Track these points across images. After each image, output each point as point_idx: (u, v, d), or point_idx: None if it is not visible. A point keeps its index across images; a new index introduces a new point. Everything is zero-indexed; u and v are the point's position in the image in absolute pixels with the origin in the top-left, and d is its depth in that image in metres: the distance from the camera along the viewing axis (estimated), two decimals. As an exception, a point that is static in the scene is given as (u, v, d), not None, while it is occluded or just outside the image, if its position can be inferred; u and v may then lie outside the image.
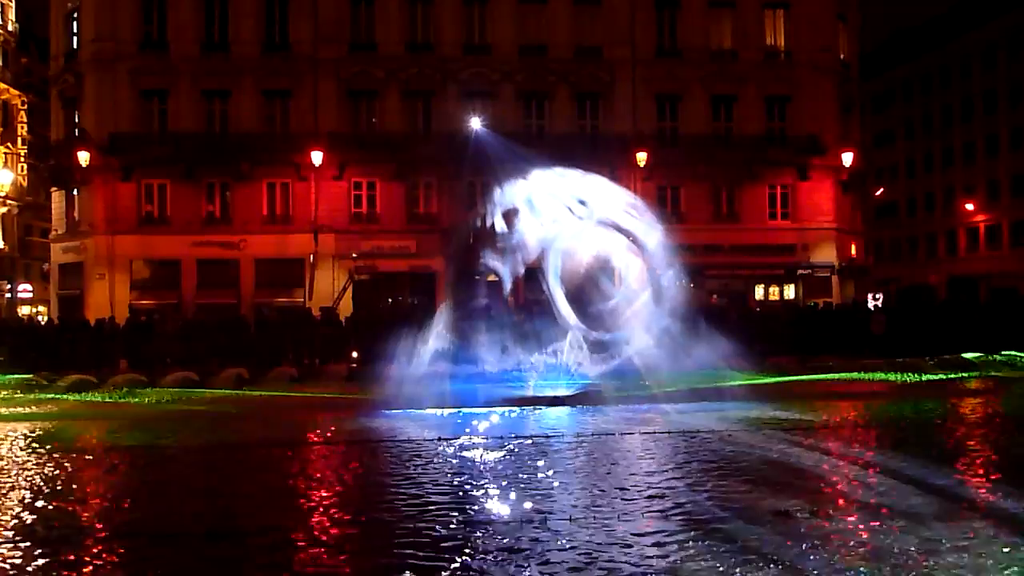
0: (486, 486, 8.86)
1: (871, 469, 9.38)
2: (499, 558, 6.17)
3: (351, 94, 35.36)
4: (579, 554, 6.23)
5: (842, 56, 38.99)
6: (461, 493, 8.45)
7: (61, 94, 36.60)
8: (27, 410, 16.74)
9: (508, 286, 17.23)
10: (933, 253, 61.12)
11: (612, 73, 36.10)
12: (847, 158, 35.81)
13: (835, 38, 38.40)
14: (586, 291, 16.90)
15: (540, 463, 10.05)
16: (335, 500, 8.54)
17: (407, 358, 15.95)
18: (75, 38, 36.14)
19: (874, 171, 58.32)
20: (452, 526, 7.08)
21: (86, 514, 7.99)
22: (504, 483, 8.93)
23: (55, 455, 11.13)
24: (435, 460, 10.37)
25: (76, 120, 35.76)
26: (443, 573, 5.85)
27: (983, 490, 8.32)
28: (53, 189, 38.38)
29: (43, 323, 34.88)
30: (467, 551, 6.34)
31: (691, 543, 6.41)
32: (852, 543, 6.40)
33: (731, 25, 37.00)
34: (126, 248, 34.19)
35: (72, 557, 6.42)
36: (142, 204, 34.64)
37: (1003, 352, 22.50)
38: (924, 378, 19.93)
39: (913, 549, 6.14)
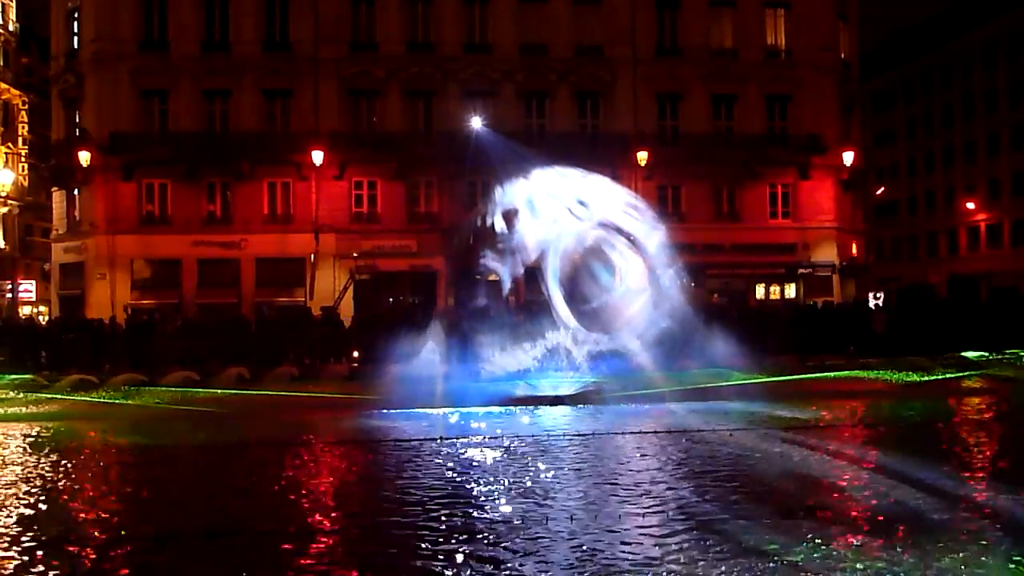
0: (486, 485, 8.86)
1: (869, 469, 9.38)
2: (499, 557, 6.17)
3: (352, 93, 35.34)
4: (579, 552, 6.23)
5: (843, 55, 38.95)
6: (461, 492, 8.45)
7: (62, 94, 36.59)
8: (28, 410, 16.76)
9: (507, 286, 17.25)
10: (934, 252, 61.07)
11: (613, 72, 36.08)
12: (848, 157, 35.78)
13: (836, 37, 38.36)
14: (586, 292, 16.91)
15: (540, 462, 10.06)
16: (335, 499, 8.55)
17: (407, 358, 15.97)
18: (76, 38, 36.11)
19: (875, 170, 58.28)
20: (452, 525, 7.08)
21: (86, 514, 8.00)
22: (504, 482, 8.94)
23: (56, 455, 11.14)
24: (435, 459, 10.37)
25: (77, 120, 35.74)
26: (443, 572, 5.85)
27: (983, 490, 8.32)
28: (54, 189, 38.40)
29: (44, 323, 34.87)
30: (467, 550, 6.34)
31: (690, 542, 6.41)
32: (849, 542, 6.40)
33: (732, 24, 36.96)
34: (127, 248, 34.18)
35: (72, 557, 6.43)
36: (143, 204, 34.63)
37: (1005, 351, 22.48)
38: (925, 377, 19.92)
39: (910, 549, 6.14)
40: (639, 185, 32.07)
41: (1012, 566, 5.76)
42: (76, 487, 9.33)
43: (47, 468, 10.20)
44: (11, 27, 54.26)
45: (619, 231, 16.52)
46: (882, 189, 57.70)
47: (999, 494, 7.91)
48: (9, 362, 22.48)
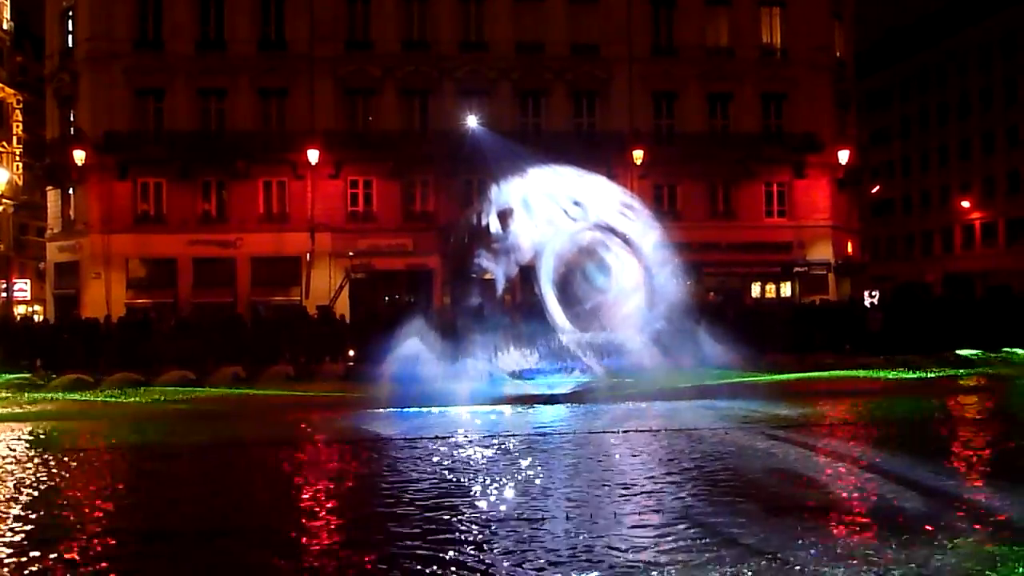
0: (482, 484, 8.86)
1: (864, 467, 9.40)
2: (497, 555, 6.17)
3: (347, 92, 35.32)
4: (576, 551, 6.23)
5: (838, 54, 39.01)
6: (457, 491, 8.45)
7: (57, 92, 36.50)
8: (23, 410, 16.72)
9: (501, 286, 17.26)
10: (929, 251, 61.18)
11: (609, 71, 36.08)
12: (843, 156, 35.82)
13: (831, 36, 38.42)
14: (580, 293, 16.93)
15: (536, 460, 10.06)
16: (330, 498, 8.54)
17: (403, 357, 15.95)
18: (70, 36, 36.02)
19: (870, 169, 58.33)
20: (449, 524, 7.08)
21: (82, 513, 7.98)
22: (500, 480, 8.94)
23: (51, 455, 11.12)
24: (431, 458, 10.37)
25: (72, 119, 35.67)
26: (440, 571, 5.85)
27: (979, 489, 8.34)
28: (49, 188, 38.29)
29: (39, 322, 34.79)
30: (465, 549, 6.34)
31: (686, 540, 6.41)
32: (846, 542, 6.41)
33: (727, 23, 36.98)
34: (122, 247, 34.12)
35: (68, 556, 6.41)
36: (138, 203, 34.56)
37: (999, 349, 22.54)
38: (919, 375, 19.97)
39: (907, 549, 6.15)
40: (635, 184, 32.09)
41: (1009, 566, 5.77)
42: (70, 486, 9.31)
43: (42, 467, 10.18)
44: (5, 25, 54.09)
45: (614, 232, 16.53)
46: (877, 188, 57.78)
47: (995, 492, 7.92)
48: (4, 362, 22.42)
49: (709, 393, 15.78)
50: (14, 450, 11.55)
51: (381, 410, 14.98)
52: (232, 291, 34.11)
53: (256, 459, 11.20)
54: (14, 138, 53.78)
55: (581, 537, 6.61)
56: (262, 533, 7.19)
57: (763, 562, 5.83)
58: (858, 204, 43.52)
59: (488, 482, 8.95)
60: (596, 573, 5.76)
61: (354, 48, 35.21)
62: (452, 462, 10.18)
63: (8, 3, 54.04)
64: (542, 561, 6.03)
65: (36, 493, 8.72)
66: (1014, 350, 22.35)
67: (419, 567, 5.94)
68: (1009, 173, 54.97)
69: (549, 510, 7.50)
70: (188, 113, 34.47)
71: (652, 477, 9.11)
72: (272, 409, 16.19)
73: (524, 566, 5.93)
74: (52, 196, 37.43)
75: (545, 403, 15.59)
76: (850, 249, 39.45)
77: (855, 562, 5.83)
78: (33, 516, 7.68)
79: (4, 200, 51.36)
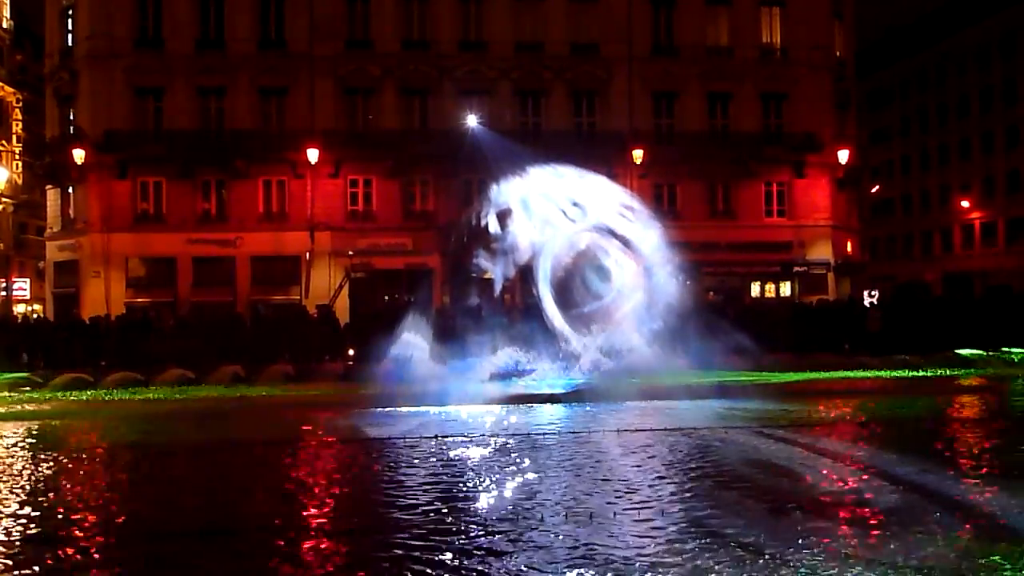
0: (482, 483, 8.87)
1: (863, 467, 9.40)
2: (496, 554, 6.17)
3: (347, 91, 35.32)
4: (575, 550, 6.23)
5: (838, 53, 39.02)
6: (456, 490, 8.45)
7: (56, 91, 36.50)
8: (22, 409, 16.72)
9: (499, 287, 17.26)
10: (929, 250, 61.21)
11: (608, 70, 36.09)
12: (843, 155, 35.86)
13: (831, 36, 38.43)
14: (578, 295, 16.94)
15: (535, 460, 10.06)
16: (330, 498, 8.54)
17: (402, 356, 15.96)
18: (70, 35, 36.03)
19: (870, 168, 58.36)
20: (447, 523, 7.08)
21: (81, 512, 7.98)
22: (499, 480, 8.94)
23: (50, 454, 11.12)
24: (430, 457, 10.37)
25: (71, 117, 35.68)
26: (439, 570, 5.85)
27: (976, 489, 8.34)
28: (48, 187, 38.30)
29: (38, 321, 34.77)
30: (464, 548, 6.34)
31: (685, 539, 6.42)
32: (845, 541, 6.41)
33: (727, 22, 36.99)
34: (121, 246, 34.13)
35: (67, 555, 6.41)
36: (137, 202, 34.56)
37: (999, 349, 22.55)
38: (919, 374, 19.99)
39: (906, 548, 6.15)
40: (635, 183, 32.10)
41: (1007, 565, 5.77)
42: (69, 486, 9.31)
43: (41, 467, 10.18)
44: (5, 24, 54.07)
45: (613, 233, 16.53)
46: (877, 187, 57.80)
47: (992, 493, 7.92)
48: (3, 361, 22.43)
49: (707, 393, 15.78)
50: (13, 449, 11.55)
51: (380, 409, 14.98)
52: (232, 290, 34.12)
53: (255, 459, 11.19)
54: (14, 137, 53.77)
55: (581, 536, 6.61)
56: (262, 533, 7.18)
57: (760, 561, 5.83)
58: (858, 204, 43.54)
59: (487, 481, 8.95)
60: (596, 572, 5.76)
61: (354, 47, 35.22)
62: (451, 462, 10.18)
63: (8, 2, 54.01)
64: (542, 560, 6.03)
65: (34, 492, 8.72)
66: (1012, 349, 22.35)
67: (419, 566, 5.94)
68: (1009, 173, 55.01)
69: (548, 509, 7.50)
70: (188, 112, 34.48)
71: (651, 476, 9.11)
72: (271, 408, 16.19)
73: (524, 565, 5.93)
74: (52, 195, 37.44)
75: (544, 403, 15.59)
76: (850, 249, 39.47)
77: (854, 561, 5.83)
78: (31, 516, 7.68)
79: (4, 199, 51.35)
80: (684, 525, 6.89)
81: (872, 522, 6.93)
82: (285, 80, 34.95)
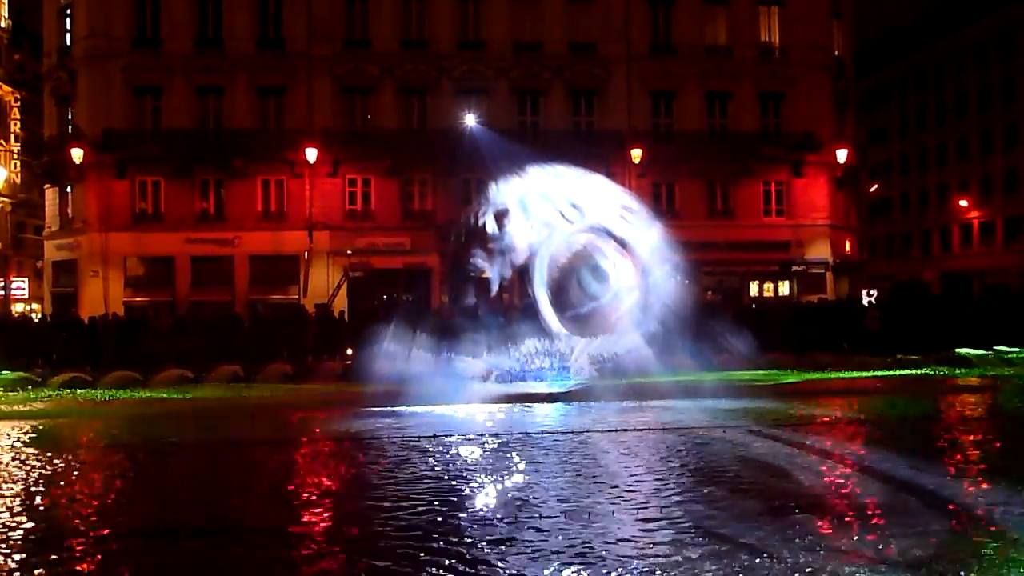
0: (480, 482, 8.87)
1: (860, 466, 9.42)
2: (495, 554, 6.17)
3: (345, 91, 35.31)
4: (574, 549, 6.23)
5: (836, 53, 39.03)
6: (455, 489, 8.45)
7: (54, 90, 36.48)
8: (20, 408, 16.70)
9: (495, 287, 17.24)
10: (927, 249, 61.26)
11: (607, 69, 36.09)
12: (841, 155, 35.89)
13: (829, 35, 38.44)
14: (574, 297, 16.94)
15: (533, 459, 10.06)
16: (328, 497, 8.54)
17: (401, 356, 15.96)
18: (68, 34, 36.00)
19: (868, 168, 58.41)
20: (446, 522, 7.08)
21: (79, 512, 7.97)
22: (498, 479, 8.94)
23: (48, 453, 11.11)
24: (428, 457, 10.37)
25: (70, 117, 35.66)
26: (437, 569, 5.85)
27: (972, 488, 8.34)
28: (46, 186, 38.29)
29: (37, 321, 34.75)
30: (462, 547, 6.34)
31: (684, 538, 6.42)
32: (842, 540, 6.42)
33: (725, 22, 37.00)
34: (120, 245, 34.11)
35: (65, 555, 6.41)
36: (136, 201, 34.55)
37: (998, 348, 22.54)
38: (917, 372, 19.99)
39: (903, 546, 6.16)
40: (633, 183, 32.10)
41: (1006, 564, 5.78)
42: (68, 485, 9.30)
43: (39, 466, 10.17)
44: (3, 23, 54.02)
45: (610, 235, 16.52)
46: (875, 187, 57.84)
47: (989, 492, 7.93)
48: (2, 360, 22.40)
49: (706, 392, 15.77)
50: (11, 448, 11.54)
51: (378, 409, 14.98)
52: (230, 290, 34.12)
53: (253, 458, 11.19)
54: (12, 136, 53.74)
55: (579, 535, 6.61)
56: (261, 532, 7.18)
57: (757, 560, 5.84)
58: (856, 203, 43.58)
59: (486, 480, 8.95)
60: (594, 570, 5.76)
61: (352, 47, 35.20)
62: (449, 461, 10.18)
63: (6, 1, 53.95)
64: (541, 559, 6.03)
65: (33, 492, 8.72)
66: (1010, 348, 22.34)
67: (417, 565, 5.94)
68: (1007, 172, 55.06)
69: (547, 508, 7.50)
70: (186, 111, 34.46)
71: (649, 475, 9.11)
72: (269, 408, 16.18)
73: (523, 564, 5.93)
74: (50, 194, 37.43)
75: (541, 402, 15.60)
76: (848, 248, 39.51)
77: (851, 560, 5.83)
78: (30, 515, 7.67)
79: (2, 198, 51.34)
80: (681, 524, 6.89)
81: (867, 522, 6.94)
82: (283, 79, 34.94)
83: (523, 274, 17.26)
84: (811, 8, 37.23)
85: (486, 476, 9.23)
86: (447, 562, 6.00)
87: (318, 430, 13.47)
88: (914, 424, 13.27)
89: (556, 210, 16.50)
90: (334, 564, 6.28)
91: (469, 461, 10.22)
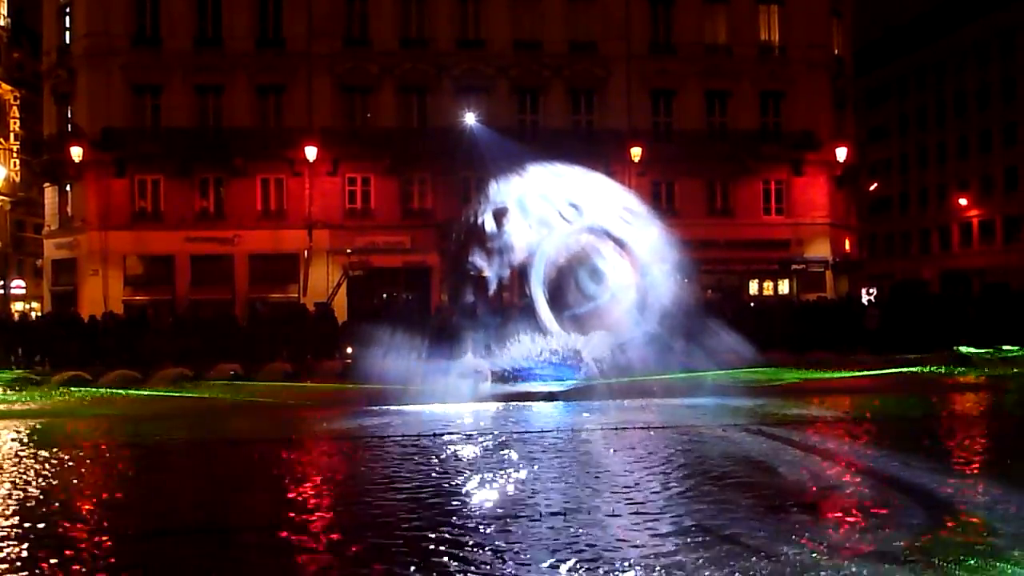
0: (480, 481, 8.86)
1: (858, 465, 9.42)
2: (493, 552, 6.18)
3: (345, 89, 35.30)
4: (572, 548, 6.24)
5: (836, 51, 39.03)
6: (454, 488, 8.45)
7: (54, 89, 36.46)
8: (20, 407, 16.69)
9: (493, 286, 17.23)
10: (927, 248, 61.27)
11: (606, 68, 36.09)
12: (841, 153, 35.90)
13: (829, 34, 38.44)
14: (571, 297, 16.94)
15: (532, 457, 10.06)
16: (326, 495, 8.55)
17: (401, 354, 15.96)
18: (68, 33, 35.99)
19: (868, 166, 58.40)
20: (445, 521, 7.08)
21: (78, 510, 7.97)
22: (497, 478, 8.94)
23: (47, 452, 11.11)
24: (428, 455, 10.37)
25: (69, 115, 35.66)
26: (436, 567, 5.86)
27: (969, 487, 8.35)
28: (46, 184, 38.28)
29: (36, 319, 34.75)
30: (460, 546, 6.34)
31: (682, 536, 6.42)
32: (839, 539, 6.43)
33: (725, 20, 37.00)
34: (119, 244, 34.11)
35: (63, 553, 6.41)
36: (135, 199, 34.55)
37: (998, 347, 22.53)
38: (916, 371, 19.98)
39: (899, 544, 6.17)
40: (633, 181, 32.06)
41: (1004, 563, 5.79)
42: (67, 484, 9.30)
43: (38, 465, 10.17)
44: (2, 22, 54.00)
45: (608, 235, 16.51)
46: (875, 185, 57.84)
47: (986, 491, 7.94)
48: (1, 359, 22.41)
49: (705, 391, 15.78)
50: (9, 447, 11.54)
51: (377, 408, 14.98)
52: (230, 288, 34.13)
53: (252, 457, 11.19)
54: (11, 134, 53.72)
55: (578, 533, 6.61)
56: (258, 531, 7.18)
57: (753, 558, 5.84)
58: (856, 202, 43.57)
59: (484, 479, 8.95)
60: (593, 567, 5.77)
61: (352, 45, 35.19)
62: (449, 459, 10.19)
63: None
64: (539, 557, 6.03)
65: (30, 491, 8.71)
66: (1010, 347, 22.33)
67: (416, 564, 5.94)
68: (1006, 170, 55.07)
69: (545, 506, 7.50)
70: (186, 110, 34.45)
71: (647, 474, 9.11)
72: (268, 407, 16.18)
73: (522, 562, 5.94)
74: (49, 193, 37.42)
75: (539, 401, 15.61)
76: (848, 247, 39.51)
77: (850, 559, 5.84)
78: (27, 514, 7.67)
79: (2, 197, 51.32)
80: (678, 522, 6.89)
81: (865, 521, 6.95)
82: (283, 78, 34.93)
83: (522, 273, 17.25)
84: (811, 7, 37.23)
85: (485, 474, 9.23)
86: (446, 560, 6.00)
87: (318, 429, 13.47)
88: (913, 423, 13.28)
89: (555, 210, 16.49)
90: (332, 563, 6.28)
91: (468, 460, 10.22)
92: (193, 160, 33.98)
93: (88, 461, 10.87)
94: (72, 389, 18.52)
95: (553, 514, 7.27)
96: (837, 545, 6.21)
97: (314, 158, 32.89)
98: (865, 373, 19.85)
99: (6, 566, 6.08)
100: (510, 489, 8.39)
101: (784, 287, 37.08)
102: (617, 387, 15.76)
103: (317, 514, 7.80)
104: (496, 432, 12.30)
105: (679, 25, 36.55)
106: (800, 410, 14.25)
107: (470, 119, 33.19)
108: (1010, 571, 5.60)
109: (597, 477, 8.98)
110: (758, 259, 36.47)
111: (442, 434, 12.01)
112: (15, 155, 53.98)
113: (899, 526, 6.68)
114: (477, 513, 7.50)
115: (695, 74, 36.28)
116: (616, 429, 12.34)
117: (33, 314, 40.91)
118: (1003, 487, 7.93)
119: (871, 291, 39.10)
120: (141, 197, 34.62)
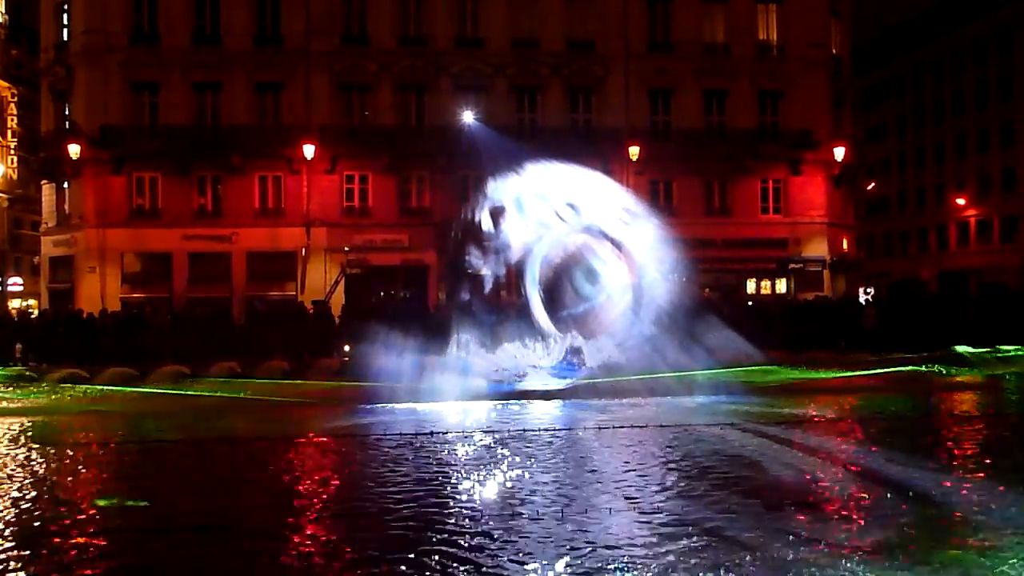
0: (477, 480, 8.88)
1: (856, 464, 9.44)
2: (491, 551, 6.18)
3: (343, 87, 35.27)
4: (573, 545, 6.25)
5: (834, 51, 39.03)
6: (452, 487, 8.46)
7: (52, 86, 36.40)
8: (16, 404, 16.68)
9: (489, 285, 17.23)
10: (924, 248, 61.30)
11: (605, 67, 36.08)
12: (839, 152, 35.90)
13: (827, 33, 38.43)
14: (568, 296, 16.94)
15: (529, 455, 10.07)
16: (324, 494, 8.55)
17: (399, 352, 15.97)
18: (65, 30, 35.91)
19: (866, 166, 58.29)
20: (442, 519, 7.09)
21: (76, 508, 7.97)
22: (494, 476, 8.95)
23: (44, 449, 11.11)
24: (425, 453, 10.38)
25: (67, 112, 35.59)
26: (433, 566, 5.86)
27: (966, 485, 8.36)
28: (43, 182, 38.22)
29: (34, 317, 34.71)
30: (458, 544, 6.35)
31: (680, 535, 6.43)
32: (836, 538, 6.44)
33: (724, 19, 36.98)
34: (117, 241, 34.06)
35: (62, 551, 6.41)
36: (133, 197, 34.50)
37: (995, 346, 22.54)
38: (915, 370, 19.99)
39: (895, 543, 6.18)
40: (631, 180, 32.06)
41: (1004, 561, 5.80)
42: (64, 481, 9.30)
43: (35, 463, 10.17)
44: (0, 19, 53.91)
45: (605, 236, 16.51)
46: (873, 184, 57.85)
47: (984, 490, 7.96)
48: (-2, 356, 22.41)
49: (701, 390, 15.79)
50: (7, 445, 11.53)
51: (375, 406, 14.99)
52: (228, 286, 34.10)
53: (250, 455, 11.20)
54: (9, 132, 53.66)
55: (577, 530, 6.62)
56: (257, 529, 7.19)
57: (747, 556, 5.86)
58: (853, 201, 43.60)
59: (483, 477, 8.96)
60: (591, 565, 5.78)
61: (350, 43, 35.16)
62: (445, 457, 10.20)
63: (3, -4, 53.83)
64: (535, 554, 6.04)
65: (27, 488, 8.71)
66: (1008, 347, 22.34)
67: (415, 561, 5.95)
68: (1004, 170, 55.06)
69: (542, 503, 7.51)
70: (183, 107, 34.40)
71: (644, 472, 9.12)
72: (266, 404, 16.18)
73: (517, 560, 5.95)
74: (47, 190, 37.38)
75: (536, 400, 15.62)
76: (845, 246, 39.54)
77: (839, 554, 5.86)
78: (25, 512, 7.67)
79: (-1, 194, 51.22)
80: (672, 519, 6.91)
81: (861, 519, 6.97)
82: (281, 76, 34.89)
83: (519, 272, 17.25)
84: (809, 6, 37.23)
85: (482, 472, 9.24)
86: (445, 558, 6.01)
87: (315, 427, 13.47)
88: (908, 422, 13.30)
89: (552, 209, 16.48)
90: (330, 561, 6.29)
91: (465, 458, 10.24)
92: (191, 158, 33.93)
93: (85, 459, 10.87)
94: (69, 386, 18.53)
95: (551, 511, 7.28)
96: (828, 542, 6.22)
97: (312, 156, 32.87)
98: (862, 372, 19.87)
99: (3, 564, 6.08)
100: (506, 487, 8.40)
101: (782, 286, 37.11)
102: (612, 386, 15.79)
103: (314, 512, 7.80)
104: (492, 430, 12.31)
105: (677, 24, 36.54)
106: (795, 409, 14.27)
107: (468, 117, 33.17)
108: (1001, 567, 5.62)
109: (593, 475, 9.00)
110: (756, 258, 36.49)
111: (438, 432, 12.02)
112: (12, 152, 53.91)
113: (887, 523, 6.70)
114: (475, 511, 7.51)
115: (693, 73, 36.28)
116: (613, 428, 12.36)
117: (31, 311, 40.88)
118: (997, 486, 7.95)
119: (869, 290, 39.18)
120: (139, 194, 34.57)
